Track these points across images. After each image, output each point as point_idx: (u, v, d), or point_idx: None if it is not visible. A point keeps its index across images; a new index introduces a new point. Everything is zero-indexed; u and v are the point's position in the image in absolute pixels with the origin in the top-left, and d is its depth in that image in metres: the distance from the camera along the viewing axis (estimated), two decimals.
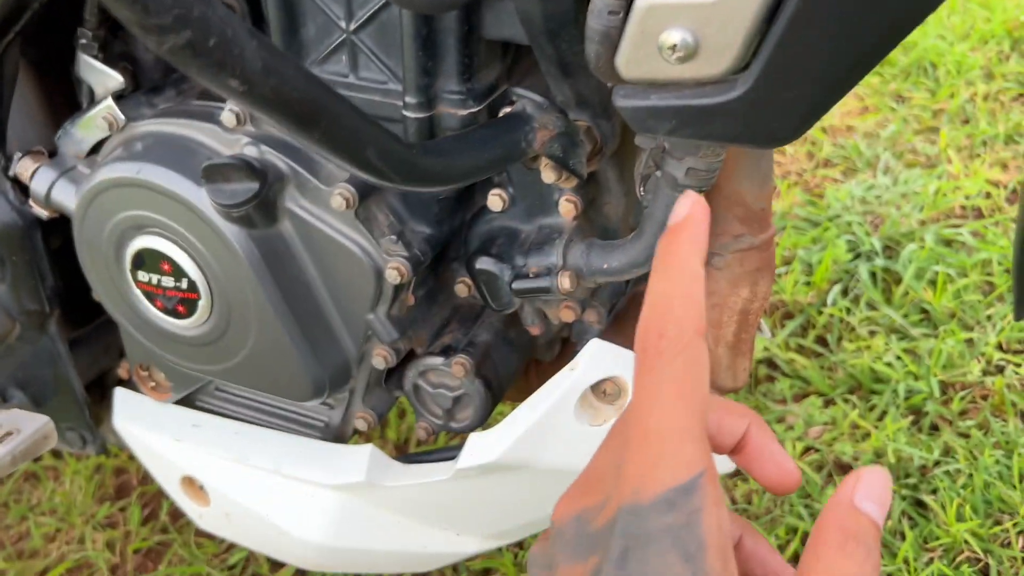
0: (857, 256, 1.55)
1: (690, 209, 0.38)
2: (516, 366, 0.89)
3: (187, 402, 0.93)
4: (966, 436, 1.26)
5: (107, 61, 0.81)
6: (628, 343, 0.91)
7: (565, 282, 0.72)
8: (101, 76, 0.80)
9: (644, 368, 0.35)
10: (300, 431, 0.89)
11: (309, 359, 0.78)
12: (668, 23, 0.46)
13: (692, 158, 0.63)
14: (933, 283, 1.46)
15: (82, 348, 0.98)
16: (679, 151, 0.64)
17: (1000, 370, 1.34)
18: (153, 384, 0.93)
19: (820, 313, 1.47)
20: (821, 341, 1.45)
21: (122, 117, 0.78)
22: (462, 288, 0.81)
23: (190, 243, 0.76)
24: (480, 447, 0.78)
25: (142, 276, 0.80)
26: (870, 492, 0.35)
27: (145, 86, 0.84)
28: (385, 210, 0.75)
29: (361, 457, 0.84)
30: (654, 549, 0.32)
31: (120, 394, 0.95)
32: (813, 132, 1.88)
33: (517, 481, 0.79)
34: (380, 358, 0.80)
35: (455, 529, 0.85)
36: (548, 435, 0.77)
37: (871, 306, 1.47)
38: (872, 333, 1.43)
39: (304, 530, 0.86)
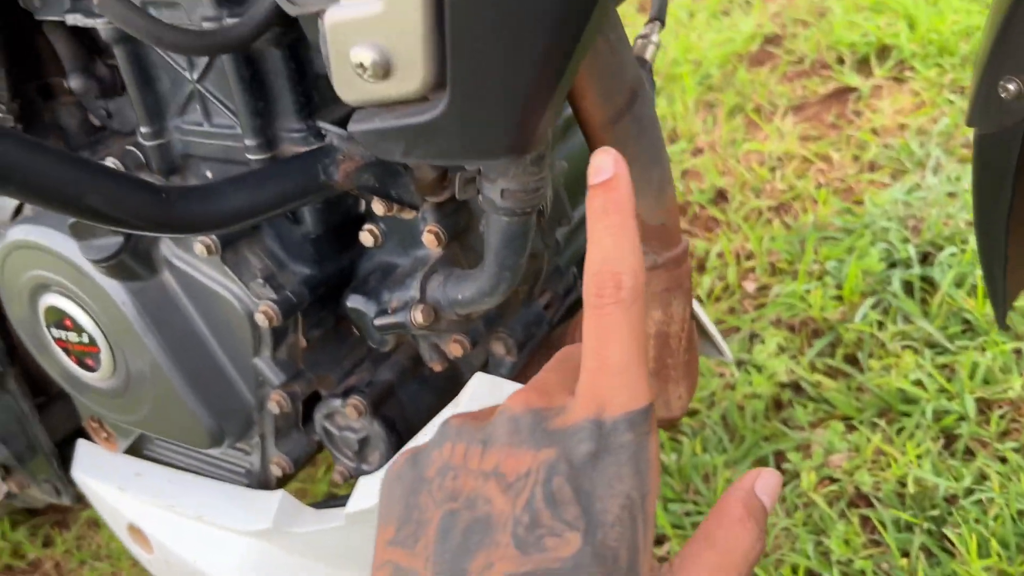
0: (892, 265, 1.42)
1: (614, 168, 0.39)
2: (433, 404, 0.86)
3: (136, 451, 0.96)
4: (1003, 460, 1.12)
5: (28, 129, 0.86)
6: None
7: (418, 316, 0.69)
8: None
9: (601, 312, 0.38)
10: (228, 477, 0.90)
11: (199, 407, 0.79)
12: (352, 40, 0.43)
13: (503, 179, 0.60)
14: (975, 290, 1.32)
15: (53, 407, 1.03)
16: (490, 172, 0.60)
17: None
18: (105, 435, 0.96)
19: (849, 330, 1.35)
20: (851, 360, 1.34)
21: None
22: None
23: (81, 299, 0.78)
24: (365, 490, 0.75)
25: (55, 332, 0.83)
26: (766, 488, 0.40)
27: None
28: (259, 253, 0.75)
29: (271, 503, 0.83)
30: (612, 459, 0.36)
31: (80, 446, 0.98)
32: (860, 134, 1.76)
33: None
34: (275, 403, 0.79)
35: (361, 574, 0.83)
36: None
37: (906, 319, 1.34)
38: (904, 349, 1.30)
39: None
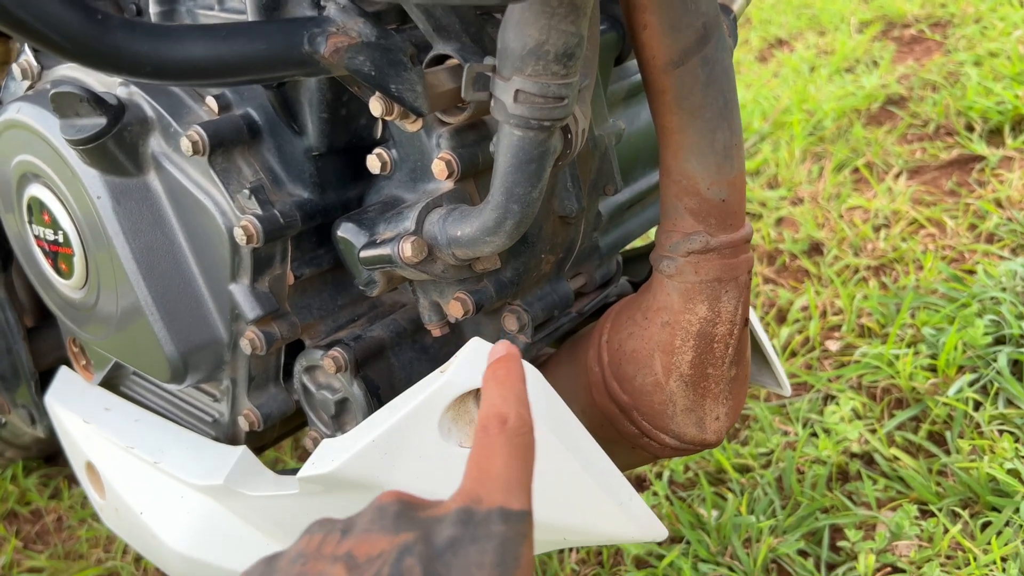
0: (1000, 341, 1.24)
1: (506, 348, 0.48)
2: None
3: (114, 386, 0.88)
4: None
5: None
6: (573, 371, 0.74)
7: (407, 249, 0.58)
8: None
9: (486, 441, 0.40)
10: (196, 426, 0.80)
11: (164, 332, 0.69)
12: None
13: (519, 76, 0.49)
14: None
15: (42, 333, 0.97)
16: (506, 68, 0.49)
17: None
18: (84, 362, 0.88)
19: (940, 405, 1.18)
20: (936, 438, 1.16)
21: (36, 65, 0.76)
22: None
23: (60, 190, 0.71)
24: (325, 454, 0.64)
25: (35, 229, 0.76)
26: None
27: None
28: (252, 163, 0.66)
29: (229, 459, 0.73)
30: (476, 548, 0.35)
31: (61, 372, 0.91)
32: (981, 203, 1.58)
33: (363, 504, 0.65)
34: (247, 341, 0.70)
35: None
36: (403, 449, 0.62)
37: (1009, 402, 1.16)
38: (1004, 433, 1.11)
39: (170, 536, 0.75)
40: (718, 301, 0.67)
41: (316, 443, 0.75)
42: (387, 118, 0.55)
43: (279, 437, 0.85)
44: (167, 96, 0.67)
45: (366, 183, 0.69)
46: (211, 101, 0.66)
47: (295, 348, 0.75)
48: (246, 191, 0.64)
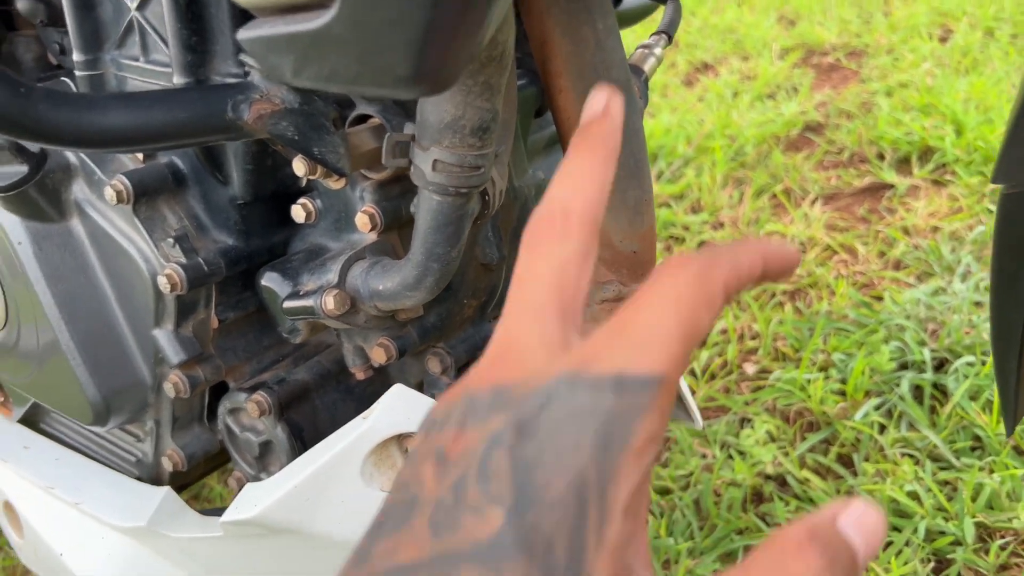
0: (903, 367, 1.31)
1: (607, 102, 0.35)
2: (352, 418, 0.76)
3: (34, 423, 0.87)
4: None
5: None
6: None
7: (329, 302, 0.60)
8: None
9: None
10: (119, 465, 0.80)
11: (87, 375, 0.70)
12: None
13: (437, 148, 0.51)
14: (990, 405, 1.20)
15: None
16: (424, 137, 0.52)
17: None
18: (2, 399, 0.87)
19: (848, 428, 1.24)
20: (844, 460, 1.22)
21: None
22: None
23: None
24: (248, 499, 0.65)
25: None
26: (860, 523, 0.26)
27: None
28: (177, 211, 0.67)
29: (152, 500, 0.73)
30: (573, 425, 0.26)
31: None
32: (888, 231, 1.66)
33: (289, 548, 0.66)
34: (171, 384, 0.70)
35: None
36: (326, 494, 0.63)
37: (910, 425, 1.22)
38: (904, 456, 1.18)
39: None
40: None
41: (240, 483, 0.76)
42: (311, 177, 0.57)
43: (202, 474, 0.85)
44: None
45: (291, 229, 0.71)
46: None
47: (220, 386, 0.76)
48: (170, 239, 0.65)
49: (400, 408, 0.64)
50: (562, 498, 0.26)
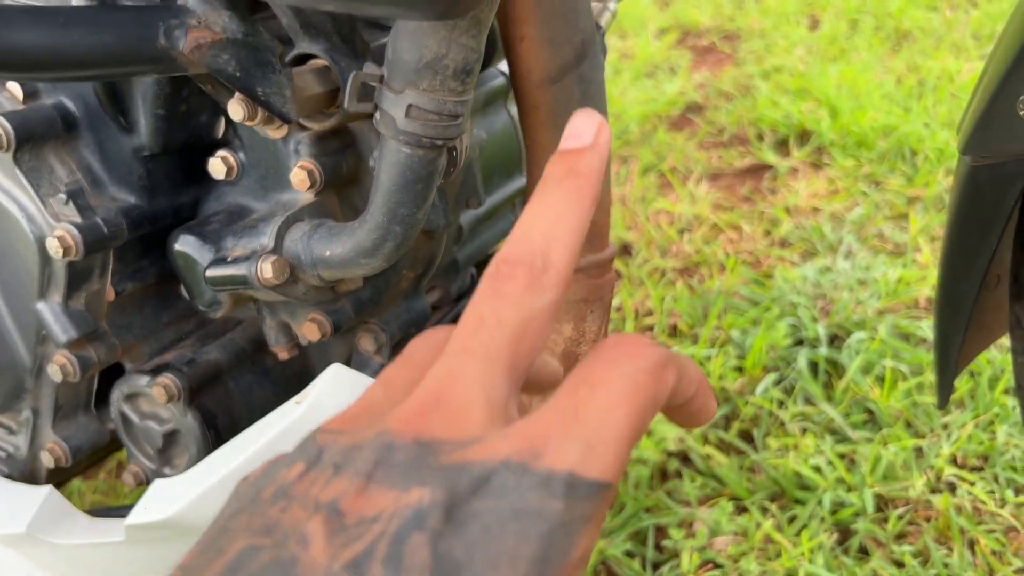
0: (799, 343, 1.34)
1: (596, 131, 0.31)
2: (271, 403, 0.68)
3: None
4: (900, 564, 1.02)
5: None
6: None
7: (267, 270, 0.52)
8: None
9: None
10: None
11: None
12: None
13: (412, 91, 0.44)
14: (881, 380, 1.25)
15: None
16: (396, 79, 0.45)
17: (951, 488, 1.11)
18: None
19: (748, 404, 1.25)
20: (746, 436, 1.23)
21: None
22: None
23: None
24: (157, 498, 0.56)
25: None
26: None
27: None
28: (68, 162, 0.57)
29: (32, 502, 0.63)
30: (514, 527, 0.24)
31: None
32: (773, 210, 1.70)
33: None
34: (57, 367, 0.60)
35: None
36: None
37: (808, 400, 1.25)
38: (804, 431, 1.20)
39: None
40: (583, 321, 0.66)
41: (138, 479, 0.66)
42: (248, 123, 0.49)
43: (83, 468, 0.74)
44: None
45: (201, 187, 0.62)
46: (14, 87, 0.55)
47: (111, 369, 0.66)
48: (62, 195, 0.55)
49: (339, 390, 0.56)
50: None
